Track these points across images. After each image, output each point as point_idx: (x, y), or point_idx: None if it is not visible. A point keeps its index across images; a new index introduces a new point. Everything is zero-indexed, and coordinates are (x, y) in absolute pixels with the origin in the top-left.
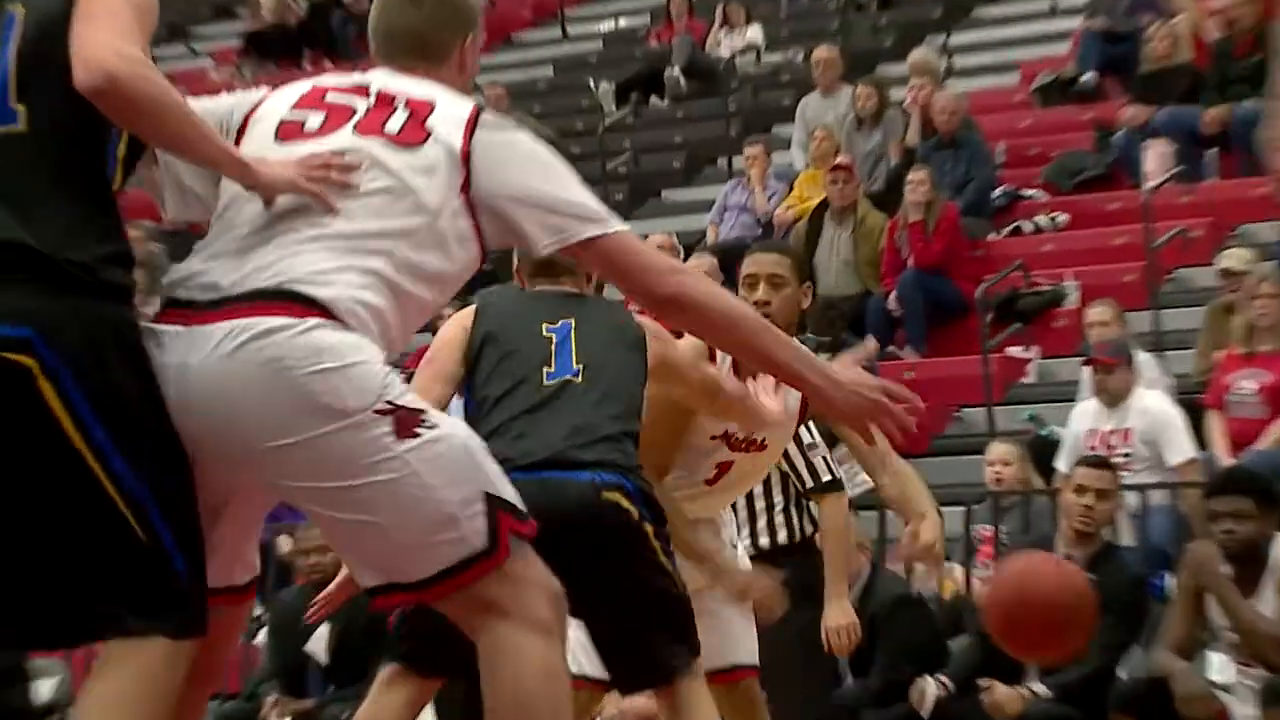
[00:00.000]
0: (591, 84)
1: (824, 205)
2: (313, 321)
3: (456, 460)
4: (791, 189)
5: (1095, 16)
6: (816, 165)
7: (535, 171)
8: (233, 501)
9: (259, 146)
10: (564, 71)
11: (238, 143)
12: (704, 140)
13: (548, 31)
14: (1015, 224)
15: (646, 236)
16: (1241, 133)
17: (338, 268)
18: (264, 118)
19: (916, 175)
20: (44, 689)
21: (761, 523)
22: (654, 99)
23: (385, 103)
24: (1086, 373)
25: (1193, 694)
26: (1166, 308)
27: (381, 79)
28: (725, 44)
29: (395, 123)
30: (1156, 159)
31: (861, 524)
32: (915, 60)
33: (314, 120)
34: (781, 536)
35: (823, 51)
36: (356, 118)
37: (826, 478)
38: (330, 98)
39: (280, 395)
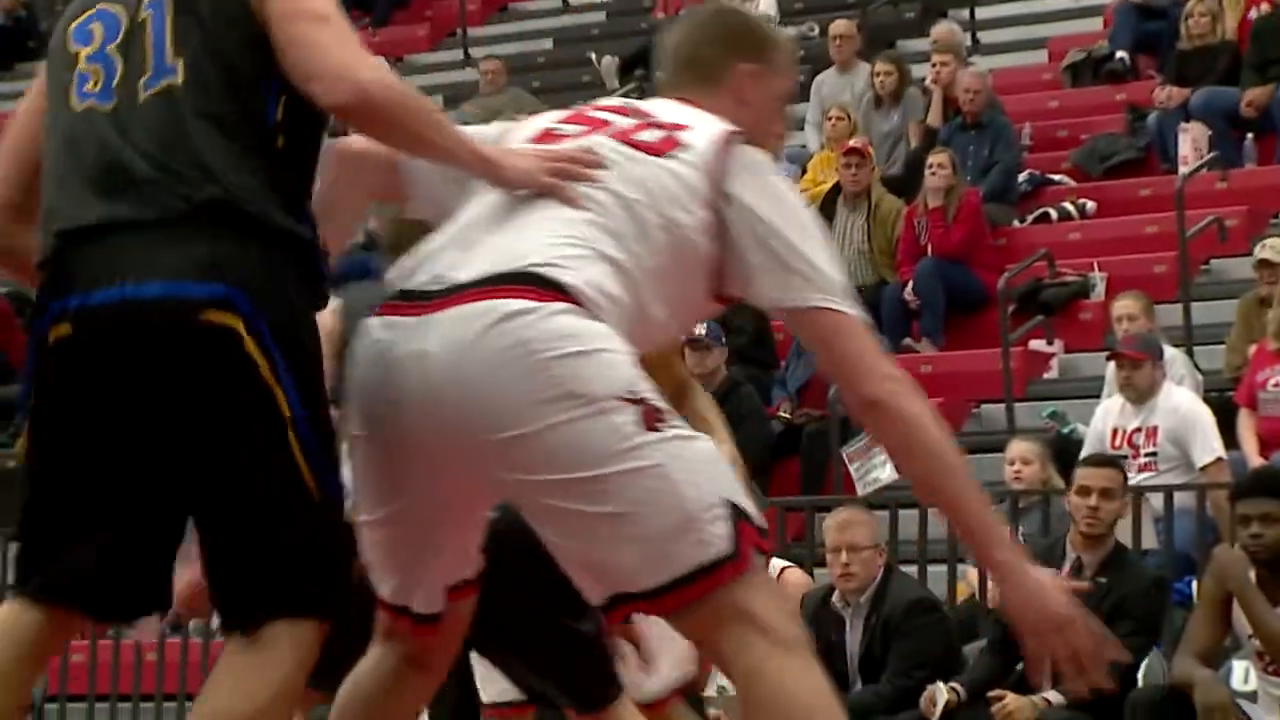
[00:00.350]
0: (593, 58)
1: (837, 189)
2: (558, 306)
3: (699, 459)
4: (804, 171)
5: None
6: (831, 147)
7: (788, 219)
8: (456, 508)
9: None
10: (564, 44)
11: None
12: None
13: (547, 1)
14: (1041, 211)
15: None
16: None
17: (581, 255)
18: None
19: (937, 158)
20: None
21: None
22: (659, 74)
23: (642, 118)
24: (1111, 368)
25: (1215, 703)
26: (1198, 300)
27: (647, 103)
28: None
29: (649, 135)
30: (1192, 143)
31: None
32: (938, 36)
33: (574, 131)
34: None
35: (840, 25)
36: (611, 128)
37: None
38: (592, 113)
39: (526, 379)
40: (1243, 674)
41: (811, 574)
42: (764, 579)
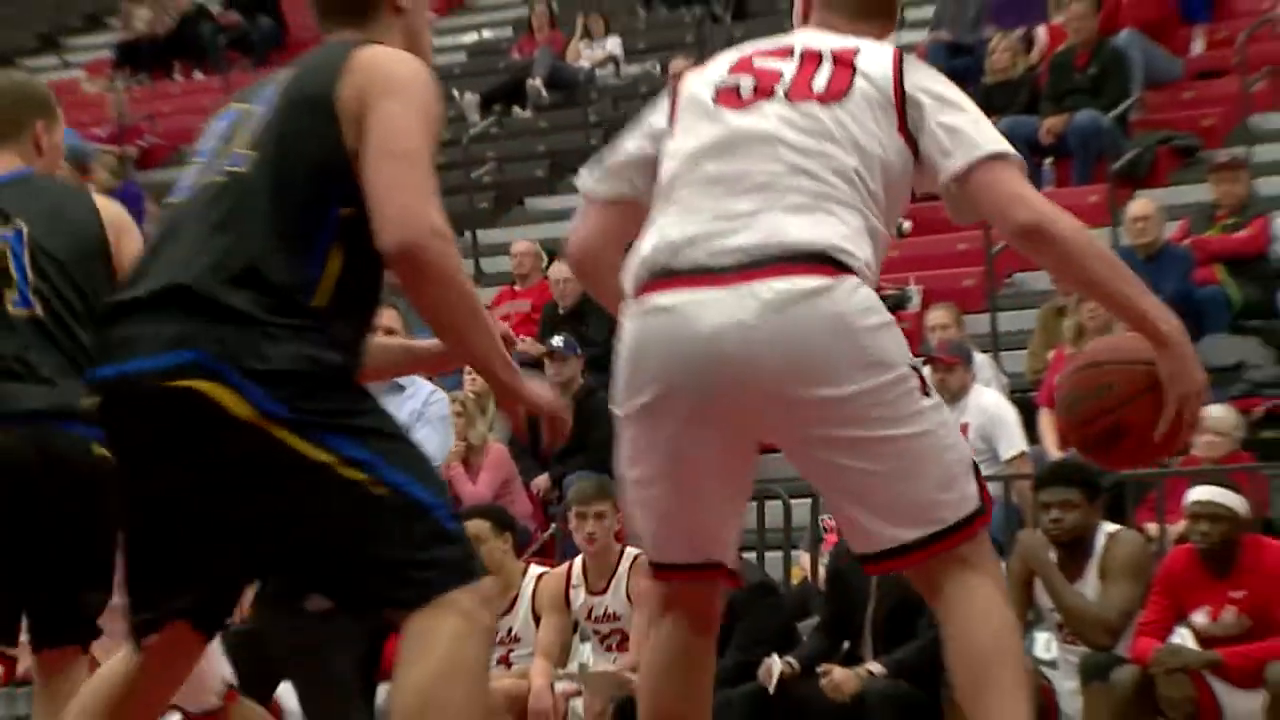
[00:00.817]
0: (456, 94)
1: None
2: (854, 281)
3: (951, 422)
4: None
5: (940, 29)
6: None
7: (955, 94)
8: (717, 479)
9: (695, 118)
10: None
11: (671, 126)
12: (566, 149)
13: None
14: None
15: (511, 244)
16: (1076, 141)
17: (848, 232)
18: (694, 96)
19: None
20: None
21: None
22: (517, 109)
23: (810, 60)
24: (927, 371)
25: None
26: (1003, 310)
27: (804, 38)
28: (585, 56)
29: (821, 79)
30: None
31: None
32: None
33: (746, 84)
34: None
35: (679, 63)
36: (785, 82)
37: None
38: (758, 63)
39: (842, 347)
40: (1044, 644)
41: None
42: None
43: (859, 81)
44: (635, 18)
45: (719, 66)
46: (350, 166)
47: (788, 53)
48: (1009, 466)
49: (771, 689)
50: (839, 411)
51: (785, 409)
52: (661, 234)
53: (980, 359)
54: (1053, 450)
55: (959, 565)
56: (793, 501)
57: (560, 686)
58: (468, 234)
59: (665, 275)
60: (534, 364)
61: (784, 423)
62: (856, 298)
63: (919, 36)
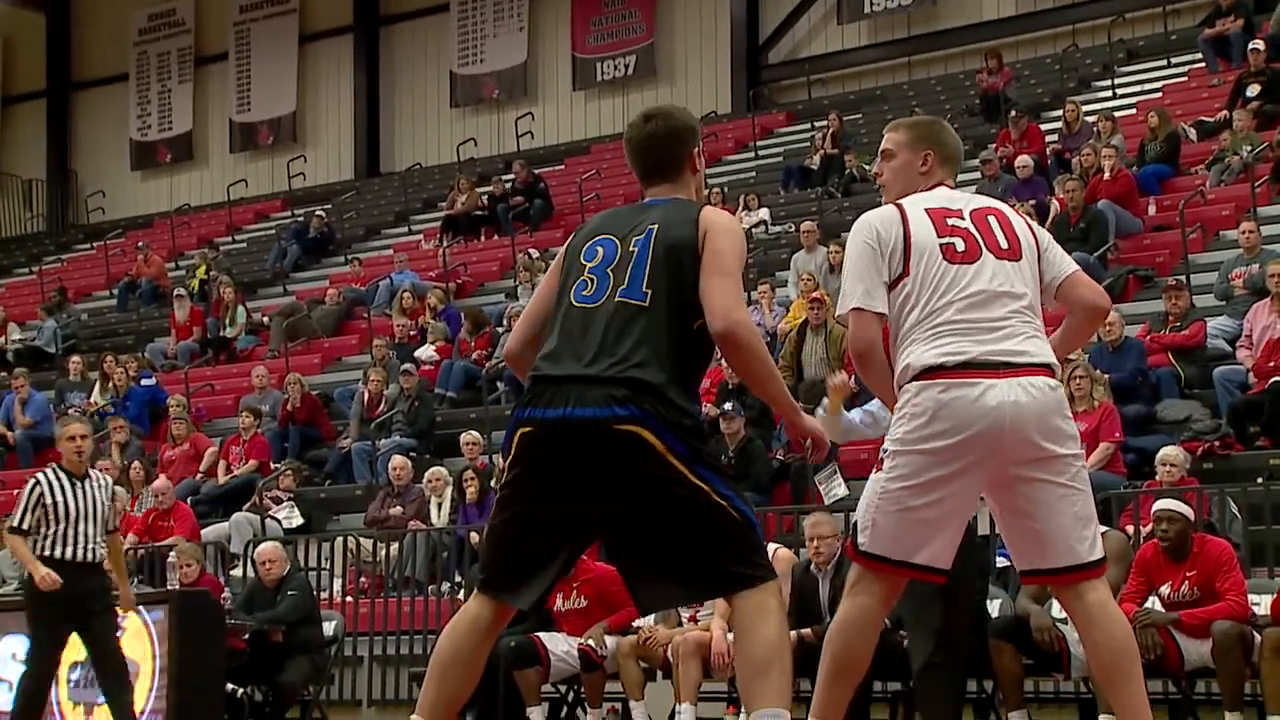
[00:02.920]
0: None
1: (806, 322)
2: (1057, 380)
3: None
4: (787, 311)
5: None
6: (803, 297)
7: None
8: (970, 504)
9: (938, 269)
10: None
11: (905, 268)
12: None
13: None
14: None
15: None
16: None
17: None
18: (924, 247)
19: None
20: (328, 627)
21: None
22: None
23: (982, 222)
24: None
25: (1043, 625)
26: None
27: (957, 199)
28: (745, 219)
29: (1001, 239)
30: None
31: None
32: None
33: (959, 244)
34: None
35: (807, 224)
36: (982, 244)
37: None
38: (952, 222)
39: (1057, 422)
40: (1058, 608)
41: (797, 553)
42: None
43: (1023, 239)
44: (777, 195)
45: (925, 223)
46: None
47: (960, 214)
48: None
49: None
50: (1054, 461)
51: (1033, 456)
52: (951, 343)
53: None
54: None
55: (1099, 584)
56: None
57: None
58: None
59: (960, 367)
60: (713, 422)
61: (1027, 463)
62: (1062, 391)
63: None
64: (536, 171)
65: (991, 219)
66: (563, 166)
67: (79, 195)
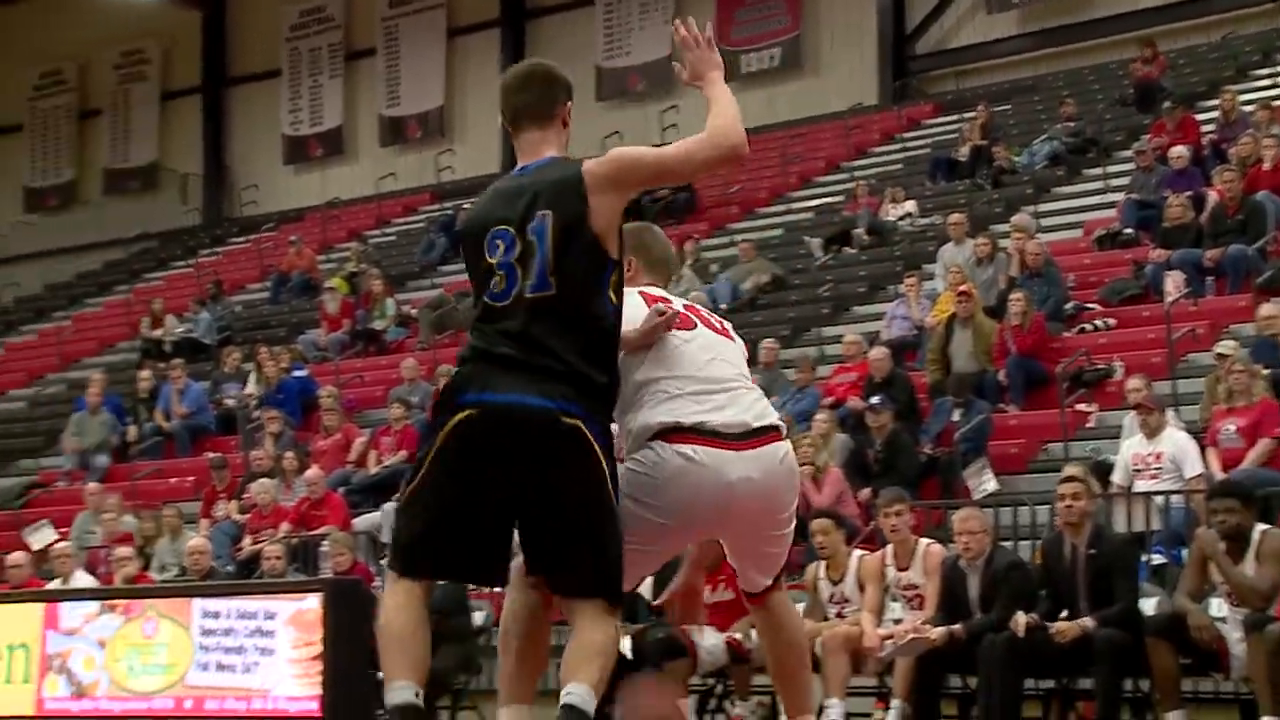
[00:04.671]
0: (806, 239)
1: (954, 315)
2: (789, 445)
3: None
4: (934, 304)
5: (1133, 192)
6: (950, 289)
7: None
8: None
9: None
10: (789, 231)
11: None
12: (879, 274)
13: (778, 206)
14: (1080, 326)
15: (843, 336)
16: (1229, 266)
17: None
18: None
19: (1016, 295)
20: (477, 617)
21: None
22: (845, 249)
23: (695, 313)
24: (1128, 419)
25: (1202, 624)
26: (1180, 378)
27: (673, 299)
28: (892, 212)
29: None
30: (1173, 284)
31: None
32: (1015, 222)
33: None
34: None
35: (955, 216)
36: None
37: None
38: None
39: (792, 491)
40: (1217, 606)
41: (945, 547)
42: None
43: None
44: (924, 187)
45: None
46: None
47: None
48: (1190, 484)
49: (1021, 635)
50: (777, 525)
51: (768, 522)
52: (683, 407)
53: (1169, 413)
54: (1218, 472)
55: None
56: (1037, 508)
57: (880, 631)
58: (814, 330)
59: (699, 432)
60: (858, 415)
61: (762, 529)
62: (793, 457)
63: (1119, 197)
64: None
65: (705, 314)
66: None
67: (234, 189)
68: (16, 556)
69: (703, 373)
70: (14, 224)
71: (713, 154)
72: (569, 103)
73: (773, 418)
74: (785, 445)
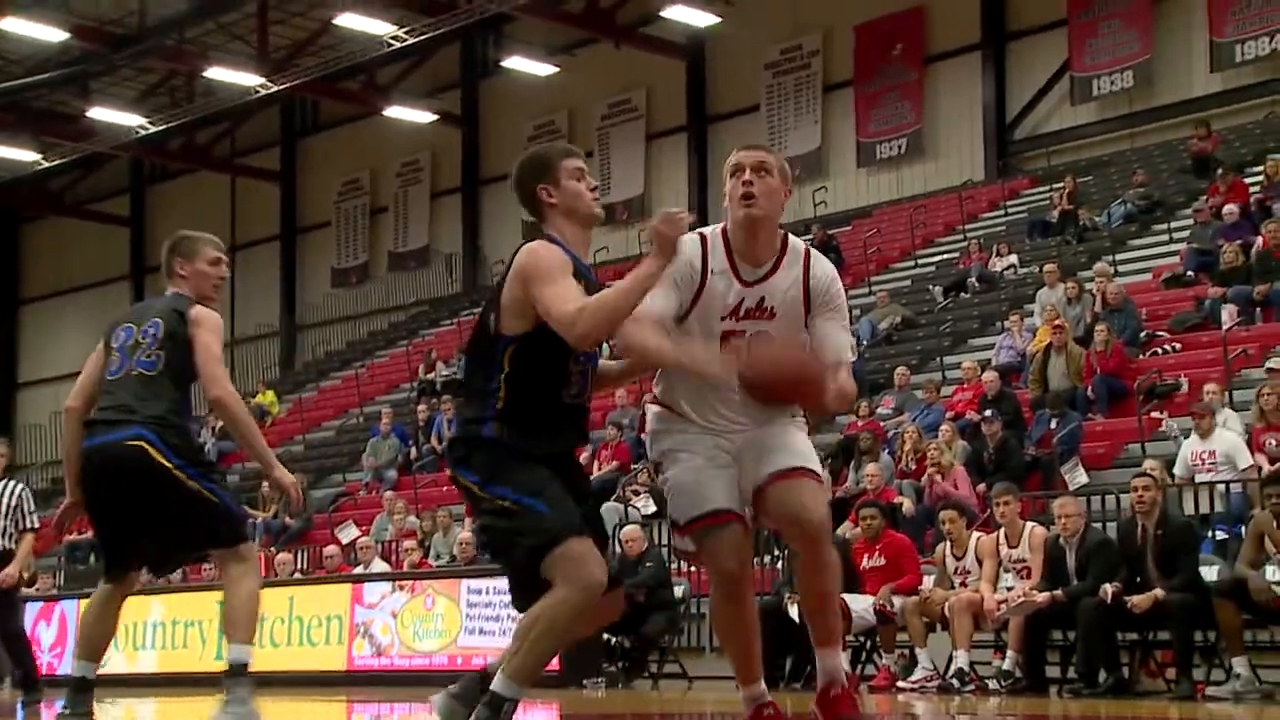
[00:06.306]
0: (930, 287)
1: (1050, 344)
2: None
3: None
4: (1034, 335)
5: (1193, 242)
6: (1045, 324)
7: None
8: None
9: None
10: (916, 281)
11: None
12: (989, 313)
13: (907, 262)
14: (1152, 350)
15: (962, 363)
16: (1275, 299)
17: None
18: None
19: (1099, 327)
20: (678, 590)
21: None
22: (962, 294)
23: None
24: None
25: (1260, 588)
26: (1236, 389)
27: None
28: (998, 264)
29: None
30: (1229, 314)
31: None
32: (1097, 269)
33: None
34: None
35: (1049, 266)
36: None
37: None
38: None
39: None
40: (1272, 572)
41: (1047, 528)
42: None
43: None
44: (1024, 244)
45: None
46: None
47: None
48: (1244, 473)
49: (1109, 601)
50: None
51: None
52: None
53: (1224, 413)
54: (1267, 466)
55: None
56: (1121, 498)
57: (996, 597)
58: (937, 359)
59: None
60: (975, 426)
61: None
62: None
63: (1181, 246)
64: (830, 232)
65: None
66: (849, 228)
67: (486, 264)
68: (331, 549)
69: None
70: (324, 296)
71: (565, 323)
72: (538, 184)
73: None
74: None
